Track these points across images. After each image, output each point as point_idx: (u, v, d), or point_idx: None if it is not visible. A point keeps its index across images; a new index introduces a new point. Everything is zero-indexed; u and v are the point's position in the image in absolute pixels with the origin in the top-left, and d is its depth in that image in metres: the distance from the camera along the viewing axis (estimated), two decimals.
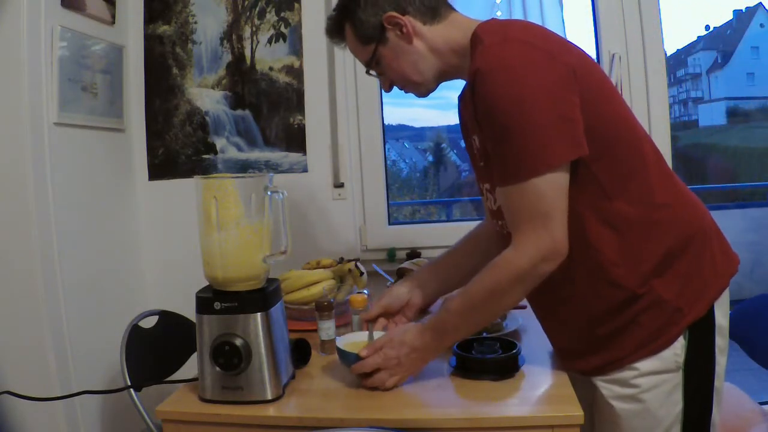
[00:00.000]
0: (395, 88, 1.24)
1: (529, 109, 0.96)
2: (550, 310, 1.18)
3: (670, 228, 1.05)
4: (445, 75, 1.18)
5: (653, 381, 1.05)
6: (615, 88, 1.10)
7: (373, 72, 1.20)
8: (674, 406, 1.06)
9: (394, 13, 1.12)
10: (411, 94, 1.24)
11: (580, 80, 1.00)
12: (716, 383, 1.07)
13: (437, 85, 1.21)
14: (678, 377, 1.05)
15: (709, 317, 1.05)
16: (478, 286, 1.05)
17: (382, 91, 2.20)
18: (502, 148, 1.00)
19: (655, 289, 1.03)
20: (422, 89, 1.21)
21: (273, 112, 2.21)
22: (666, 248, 1.04)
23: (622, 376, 1.08)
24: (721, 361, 1.07)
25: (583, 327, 1.11)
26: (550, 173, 0.97)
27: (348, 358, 1.14)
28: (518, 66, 0.97)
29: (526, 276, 1.01)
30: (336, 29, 1.22)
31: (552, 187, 0.98)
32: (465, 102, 1.16)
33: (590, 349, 1.11)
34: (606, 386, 1.10)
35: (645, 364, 1.06)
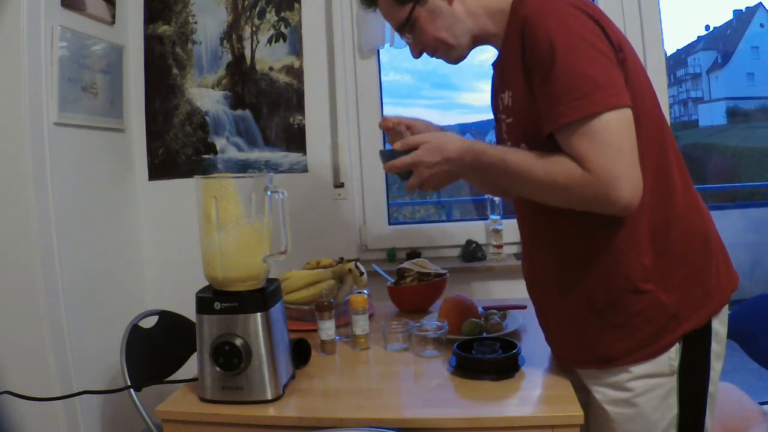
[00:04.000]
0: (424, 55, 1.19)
1: (586, 46, 0.94)
2: (551, 298, 1.16)
3: (677, 224, 1.04)
4: (478, 40, 1.15)
5: (647, 385, 1.05)
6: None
7: (408, 36, 1.17)
8: (669, 410, 1.05)
9: None
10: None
11: (630, 64, 0.99)
12: (710, 388, 1.06)
13: (470, 51, 1.18)
14: (672, 382, 1.04)
15: (706, 326, 1.05)
16: (540, 166, 0.98)
17: (383, 90, 2.24)
18: (560, 84, 0.94)
19: (656, 291, 1.02)
20: (454, 54, 1.17)
21: (273, 112, 2.21)
22: (669, 244, 1.03)
23: (616, 380, 1.07)
24: (716, 366, 1.06)
25: (581, 316, 1.09)
26: (619, 109, 0.92)
27: (384, 154, 1.10)
28: (568, 11, 0.96)
29: (582, 194, 0.94)
30: None
31: (625, 123, 0.93)
32: (504, 57, 1.12)
33: (583, 342, 1.10)
34: (600, 390, 1.10)
35: (638, 368, 1.05)
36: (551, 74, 0.95)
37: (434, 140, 1.06)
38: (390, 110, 2.29)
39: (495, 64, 1.20)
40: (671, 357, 1.03)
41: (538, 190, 1.02)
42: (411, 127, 1.25)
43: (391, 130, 1.24)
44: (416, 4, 1.12)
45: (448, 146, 1.05)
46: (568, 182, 0.94)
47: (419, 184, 1.08)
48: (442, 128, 1.29)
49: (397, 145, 1.07)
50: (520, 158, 1.00)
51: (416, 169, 1.06)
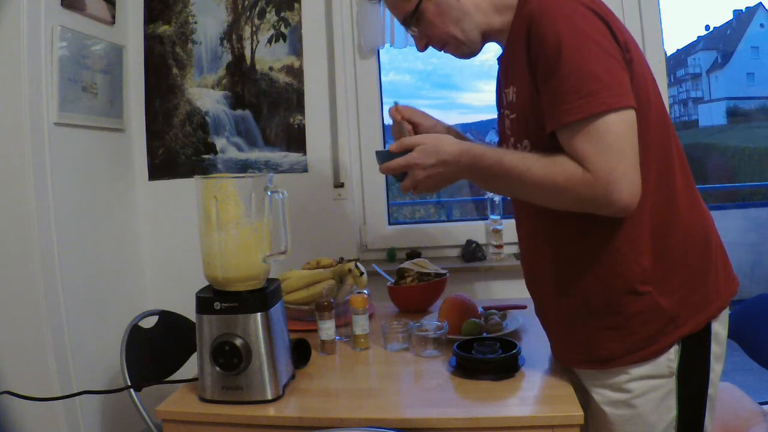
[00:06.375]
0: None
1: (592, 45, 0.93)
2: (549, 296, 1.16)
3: (678, 227, 1.04)
4: (487, 35, 1.14)
5: (646, 386, 1.04)
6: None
7: (413, 29, 1.15)
8: (667, 412, 1.05)
9: None
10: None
11: (637, 65, 0.98)
12: (710, 390, 1.05)
13: (482, 46, 1.16)
14: (671, 383, 1.04)
15: (706, 328, 1.04)
16: (540, 166, 0.97)
17: (383, 90, 2.24)
18: (565, 82, 0.93)
19: (654, 294, 1.02)
20: (465, 50, 1.15)
21: (273, 112, 2.21)
22: (669, 246, 1.03)
23: (615, 381, 1.07)
24: (716, 368, 1.06)
25: (578, 316, 1.09)
26: (623, 110, 0.92)
27: (380, 155, 1.10)
28: (576, 8, 0.95)
29: (581, 194, 0.93)
30: None
31: (629, 124, 0.92)
32: (510, 52, 1.11)
33: (580, 342, 1.10)
34: (598, 391, 1.10)
35: (637, 369, 1.04)
36: (557, 72, 0.94)
37: (430, 142, 1.05)
38: None
39: (500, 59, 1.19)
40: (670, 358, 1.03)
41: (537, 192, 1.01)
42: (417, 125, 1.24)
43: (397, 123, 1.23)
44: None
45: (444, 148, 1.04)
46: (567, 182, 0.94)
47: (413, 186, 1.07)
48: (450, 127, 1.29)
49: (393, 147, 1.06)
50: (518, 160, 0.99)
51: (411, 171, 1.06)
